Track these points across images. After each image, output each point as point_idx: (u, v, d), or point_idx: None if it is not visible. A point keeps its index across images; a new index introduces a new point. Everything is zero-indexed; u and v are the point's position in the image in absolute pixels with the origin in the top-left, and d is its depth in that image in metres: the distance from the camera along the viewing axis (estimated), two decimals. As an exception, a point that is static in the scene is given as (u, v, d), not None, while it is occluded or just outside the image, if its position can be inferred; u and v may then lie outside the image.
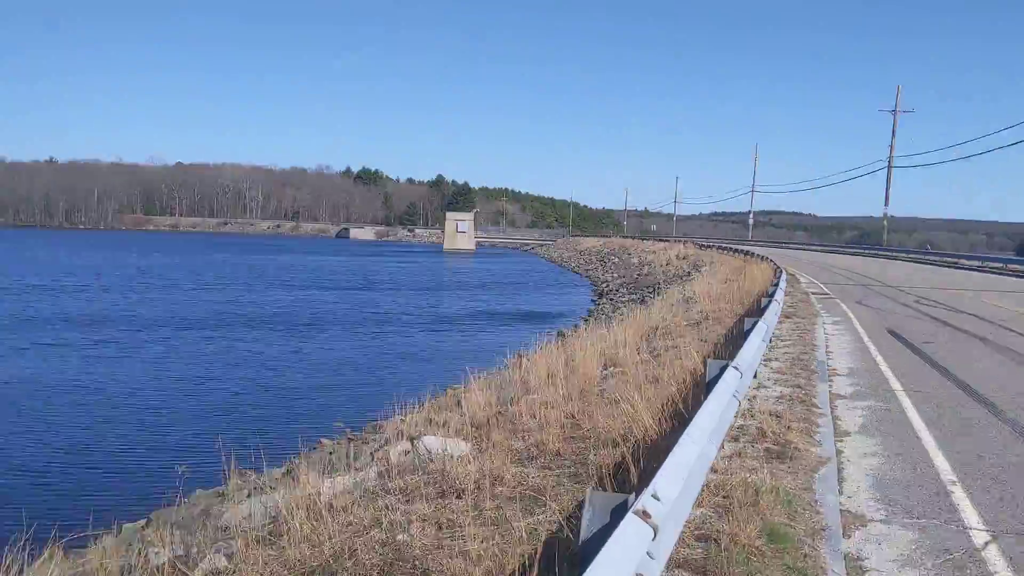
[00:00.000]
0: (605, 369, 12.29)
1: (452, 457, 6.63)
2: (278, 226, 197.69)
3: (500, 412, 9.20)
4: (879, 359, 12.60)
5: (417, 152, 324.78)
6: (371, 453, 11.12)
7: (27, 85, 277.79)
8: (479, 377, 16.25)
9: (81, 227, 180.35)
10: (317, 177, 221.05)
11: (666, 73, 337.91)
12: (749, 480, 5.66)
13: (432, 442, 7.47)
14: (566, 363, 13.10)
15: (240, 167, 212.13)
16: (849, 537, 5.15)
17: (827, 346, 13.67)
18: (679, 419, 6.99)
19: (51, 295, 41.91)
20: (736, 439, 6.95)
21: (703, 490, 5.07)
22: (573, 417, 7.76)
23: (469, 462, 6.12)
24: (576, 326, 31.74)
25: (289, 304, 42.06)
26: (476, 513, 5.21)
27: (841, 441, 7.48)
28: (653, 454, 5.92)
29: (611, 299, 44.02)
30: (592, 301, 47.41)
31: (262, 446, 16.60)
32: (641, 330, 16.30)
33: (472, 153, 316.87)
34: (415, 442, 7.93)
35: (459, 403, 13.52)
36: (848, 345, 14.07)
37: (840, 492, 6.01)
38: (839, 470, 6.50)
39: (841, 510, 5.57)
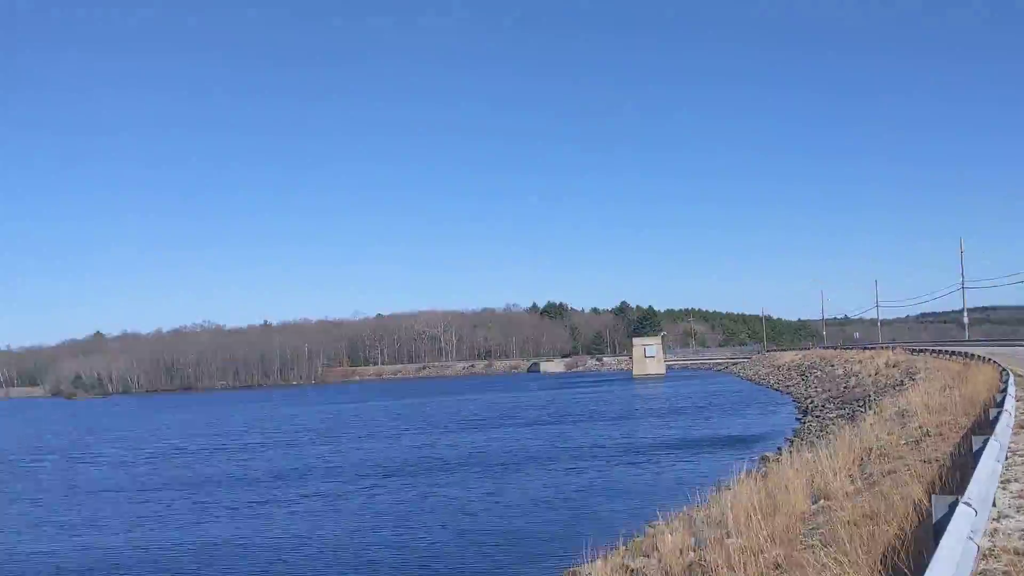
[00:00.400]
0: (814, 502, 11.12)
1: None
2: (472, 366, 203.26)
3: (696, 562, 8.39)
4: None
5: (599, 282, 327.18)
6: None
7: (241, 254, 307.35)
8: (673, 517, 15.32)
9: (295, 383, 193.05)
10: (505, 316, 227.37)
11: (857, 172, 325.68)
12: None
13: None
14: (768, 496, 12.02)
15: (434, 313, 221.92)
16: None
17: (1079, 459, 11.77)
18: (908, 570, 5.99)
19: (264, 451, 44.45)
20: (980, 590, 5.83)
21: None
22: (777, 567, 6.87)
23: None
24: (780, 449, 29.82)
25: (483, 443, 42.34)
26: None
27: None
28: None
29: (817, 416, 41.31)
30: (796, 420, 44.75)
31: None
32: (853, 453, 14.85)
33: (654, 277, 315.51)
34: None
35: (655, 547, 12.71)
36: (1105, 455, 12.09)
37: None
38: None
39: None
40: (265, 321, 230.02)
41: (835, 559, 6.35)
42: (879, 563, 6.17)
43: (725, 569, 7.26)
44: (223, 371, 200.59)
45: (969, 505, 5.58)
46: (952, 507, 5.55)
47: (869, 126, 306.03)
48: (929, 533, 5.86)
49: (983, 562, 6.42)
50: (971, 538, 5.33)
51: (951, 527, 5.11)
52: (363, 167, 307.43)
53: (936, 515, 5.67)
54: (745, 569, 7.02)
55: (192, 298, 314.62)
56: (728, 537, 9.42)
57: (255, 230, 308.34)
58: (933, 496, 5.96)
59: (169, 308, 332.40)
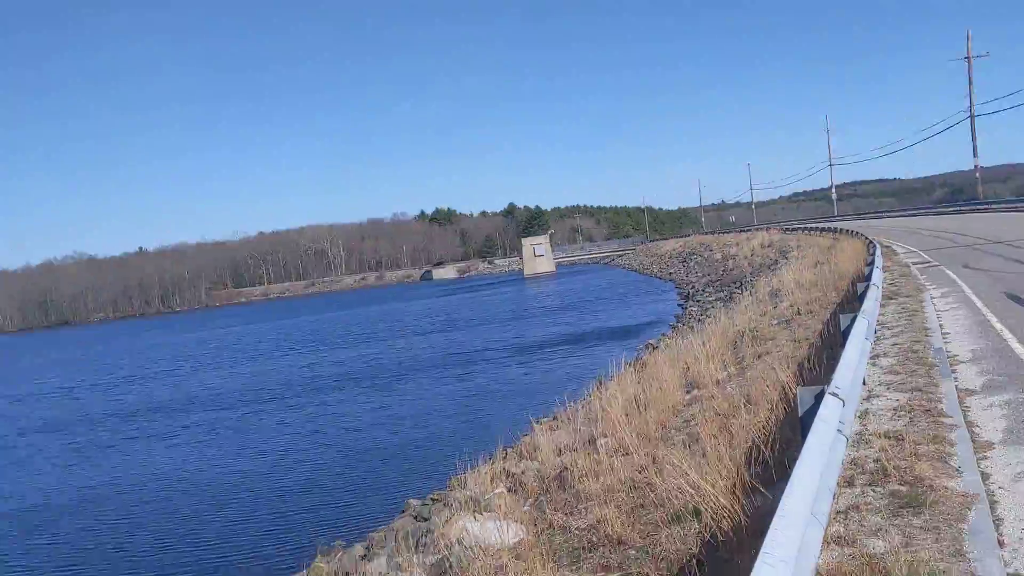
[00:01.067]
0: (688, 392, 10.87)
1: (500, 547, 5.43)
2: (363, 278, 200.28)
3: (567, 466, 7.94)
4: (1005, 333, 10.81)
5: (487, 185, 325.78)
6: (440, 528, 10.02)
7: (108, 178, 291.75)
8: (557, 416, 15.09)
9: (178, 310, 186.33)
10: (394, 225, 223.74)
11: (725, 59, 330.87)
12: (874, 557, 4.21)
13: (478, 531, 6.26)
14: (645, 388, 11.74)
15: (319, 227, 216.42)
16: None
17: (941, 327, 11.88)
18: (772, 468, 5.61)
19: (141, 383, 42.50)
20: (850, 482, 5.48)
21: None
22: (642, 469, 6.42)
23: (510, 563, 4.86)
24: (664, 335, 30.21)
25: (373, 357, 41.58)
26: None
27: (985, 459, 5.90)
28: (738, 532, 4.60)
29: (698, 301, 42.17)
30: (679, 306, 45.59)
31: (350, 517, 15.91)
32: (727, 336, 14.78)
33: (540, 176, 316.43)
34: (467, 527, 6.74)
35: (537, 448, 12.41)
36: (965, 321, 12.25)
37: (1001, 545, 4.48)
38: (992, 509, 4.96)
39: (1010, 581, 4.03)
40: (140, 248, 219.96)
41: (698, 459, 5.92)
42: (743, 460, 5.77)
43: (590, 480, 6.79)
44: (101, 303, 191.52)
45: (836, 396, 5.16)
46: (818, 398, 5.13)
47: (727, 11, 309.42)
48: (796, 426, 5.45)
49: (854, 449, 6.12)
50: (840, 430, 4.93)
51: (817, 421, 4.66)
52: (236, 75, 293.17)
53: (802, 408, 5.25)
54: (611, 473, 6.56)
55: (60, 229, 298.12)
56: (600, 437, 9.04)
57: (119, 151, 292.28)
58: (798, 388, 5.54)
59: (36, 241, 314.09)
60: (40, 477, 22.34)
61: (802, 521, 3.36)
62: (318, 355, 46.37)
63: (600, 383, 16.52)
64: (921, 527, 4.67)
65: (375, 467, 18.94)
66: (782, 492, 3.67)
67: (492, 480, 12.03)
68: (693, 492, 5.10)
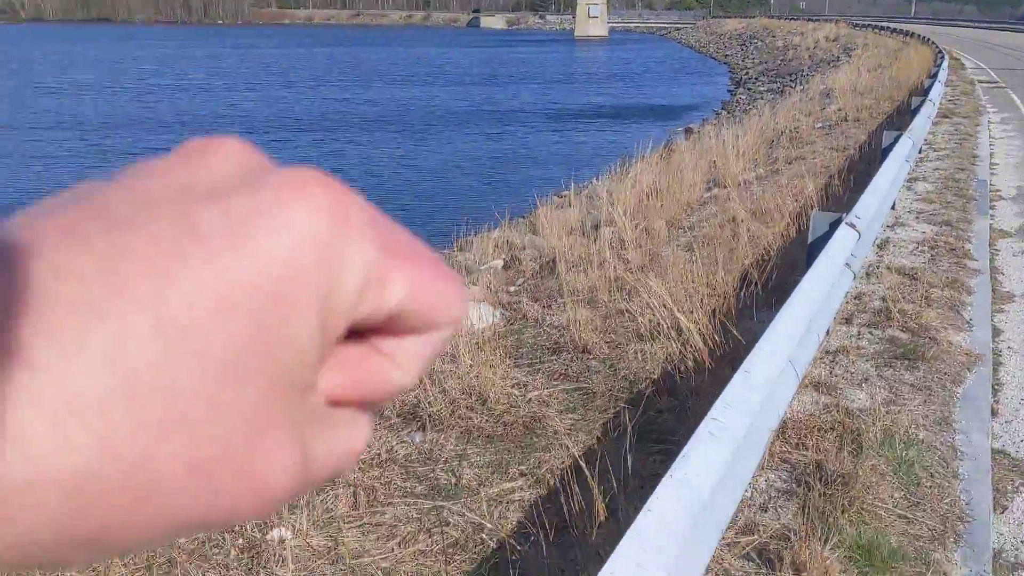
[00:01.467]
0: (709, 189, 10.28)
1: (469, 330, 5.17)
2: (409, 16, 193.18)
3: (566, 250, 7.54)
4: (1061, 174, 10.03)
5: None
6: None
7: None
8: (566, 194, 14.63)
9: (220, 23, 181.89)
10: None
11: None
12: (849, 414, 3.85)
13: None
14: (671, 177, 11.16)
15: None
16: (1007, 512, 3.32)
17: (991, 157, 11.02)
18: (765, 297, 5.18)
19: (173, 93, 41.93)
20: (848, 320, 5.05)
21: (779, 432, 3.29)
22: (634, 272, 6.01)
23: (465, 352, 4.57)
24: (704, 120, 29.04)
25: (407, 101, 40.54)
26: (428, 466, 3.72)
27: (1002, 312, 5.43)
28: (701, 371, 4.24)
29: (748, 89, 40.19)
30: (728, 92, 43.57)
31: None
32: (764, 134, 13.91)
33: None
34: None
35: (540, 227, 12.07)
36: (1019, 153, 11.37)
37: (994, 414, 4.10)
38: (995, 372, 4.55)
39: (995, 462, 3.66)
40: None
41: (689, 270, 5.48)
42: (737, 282, 5.34)
43: (578, 270, 6.40)
44: (143, 3, 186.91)
45: (853, 226, 4.61)
46: (834, 226, 4.59)
47: None
48: (805, 251, 4.96)
49: (862, 282, 5.65)
50: (849, 265, 4.43)
51: (823, 256, 4.15)
52: None
53: (813, 234, 4.73)
54: (602, 269, 6.16)
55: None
56: (604, 226, 8.60)
57: None
58: (814, 211, 4.99)
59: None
60: (56, 174, 22.38)
61: (770, 379, 2.95)
62: (352, 91, 45.29)
63: (623, 165, 15.89)
64: (912, 384, 4.28)
65: (389, 212, 18.80)
66: (762, 333, 3.26)
67: (494, 249, 11.80)
68: (669, 312, 4.72)
